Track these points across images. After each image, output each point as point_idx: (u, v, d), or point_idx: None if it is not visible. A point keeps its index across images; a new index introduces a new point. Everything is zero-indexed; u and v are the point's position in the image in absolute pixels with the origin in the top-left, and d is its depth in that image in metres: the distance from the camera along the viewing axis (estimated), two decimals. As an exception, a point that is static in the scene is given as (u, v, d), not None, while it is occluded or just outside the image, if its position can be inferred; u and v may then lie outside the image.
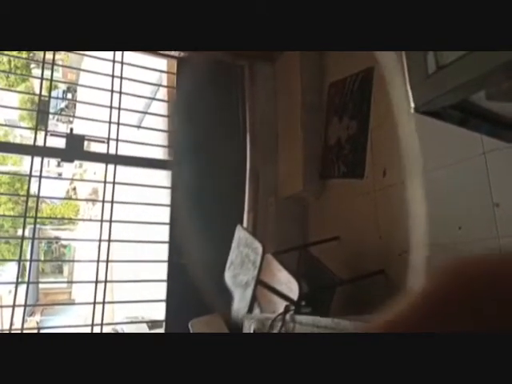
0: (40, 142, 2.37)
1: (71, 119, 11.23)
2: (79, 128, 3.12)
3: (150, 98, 3.50)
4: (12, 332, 2.11)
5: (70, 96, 11.56)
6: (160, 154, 2.84)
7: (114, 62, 2.66)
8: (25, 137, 10.45)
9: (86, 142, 2.56)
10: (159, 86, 3.25)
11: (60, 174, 10.83)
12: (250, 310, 1.33)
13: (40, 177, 2.28)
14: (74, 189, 11.33)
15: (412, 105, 0.68)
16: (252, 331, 1.01)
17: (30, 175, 2.32)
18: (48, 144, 2.41)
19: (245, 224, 2.43)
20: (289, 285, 1.44)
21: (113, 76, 2.62)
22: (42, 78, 2.48)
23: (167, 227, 2.42)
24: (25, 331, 2.18)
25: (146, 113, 3.38)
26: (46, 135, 2.43)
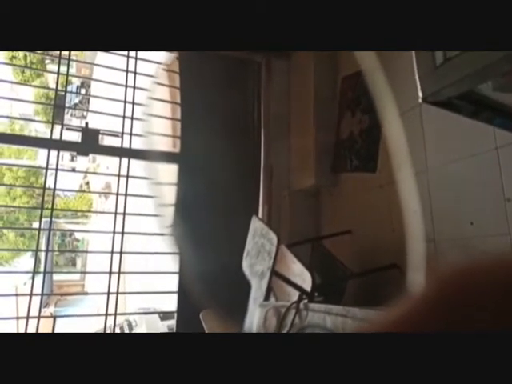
0: (56, 136, 2.42)
1: (85, 114, 11.36)
2: (93, 122, 3.17)
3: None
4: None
5: (83, 91, 11.70)
6: (174, 148, 2.87)
7: (128, 57, 2.69)
8: (39, 131, 10.62)
9: (100, 136, 2.60)
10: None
11: (74, 169, 10.98)
12: (266, 299, 1.36)
13: (56, 169, 2.33)
14: (87, 183, 11.49)
15: (420, 95, 0.69)
16: (264, 318, 1.04)
17: (47, 168, 2.37)
18: (63, 138, 2.46)
19: (260, 216, 2.46)
20: (302, 276, 1.47)
21: (127, 71, 2.66)
22: (58, 73, 2.52)
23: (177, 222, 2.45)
24: (41, 319, 2.24)
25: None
26: (62, 129, 2.48)
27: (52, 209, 2.49)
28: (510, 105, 0.69)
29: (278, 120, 2.70)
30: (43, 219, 2.43)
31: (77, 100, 11.87)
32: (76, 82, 11.77)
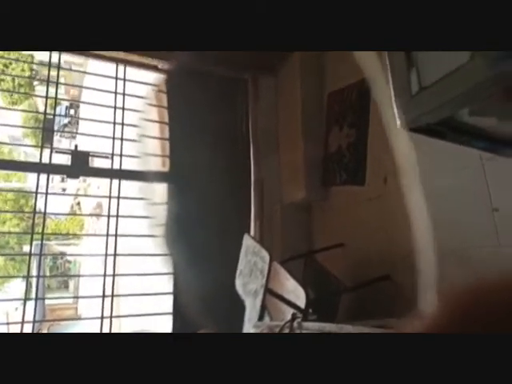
0: (45, 159, 2.41)
1: (74, 134, 11.34)
2: (82, 143, 3.17)
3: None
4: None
5: (72, 111, 11.68)
6: (164, 166, 2.88)
7: (116, 78, 2.71)
8: (29, 154, 10.56)
9: (90, 158, 2.60)
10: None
11: (64, 189, 10.89)
12: (261, 318, 1.36)
13: (46, 194, 2.32)
14: (79, 203, 11.39)
15: (398, 123, 0.71)
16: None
17: (37, 192, 2.36)
18: (53, 160, 2.45)
19: (252, 232, 2.46)
20: (296, 293, 1.47)
21: (116, 93, 2.67)
22: (46, 97, 2.53)
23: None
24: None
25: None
26: (51, 152, 2.47)
27: (42, 233, 2.46)
28: (486, 128, 0.71)
29: (267, 135, 2.73)
30: (34, 242, 2.40)
31: (66, 121, 11.85)
32: (65, 102, 11.76)
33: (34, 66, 8.25)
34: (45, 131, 2.69)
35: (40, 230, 2.44)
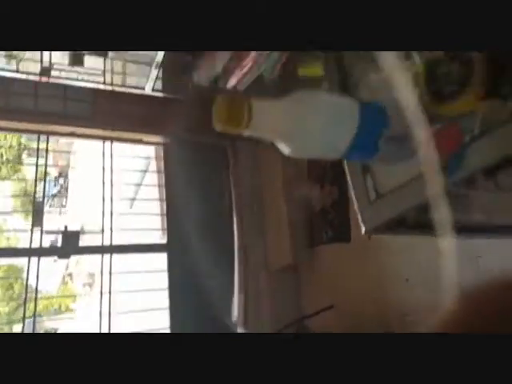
0: (35, 237, 2.43)
1: (64, 202, 11.30)
2: (72, 218, 3.21)
3: (140, 185, 3.63)
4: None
5: (61, 181, 11.72)
6: (154, 237, 2.91)
7: (103, 154, 2.81)
8: (18, 229, 10.43)
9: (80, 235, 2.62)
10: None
11: (55, 260, 10.67)
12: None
13: (37, 277, 2.31)
14: (70, 274, 11.13)
15: (362, 227, 0.75)
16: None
17: (27, 277, 2.35)
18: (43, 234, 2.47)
19: (235, 305, 2.39)
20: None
21: (103, 169, 2.75)
22: (35, 181, 2.60)
23: (167, 312, 2.43)
24: None
25: (136, 199, 3.50)
26: (41, 234, 2.49)
27: (35, 315, 2.43)
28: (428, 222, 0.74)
29: (250, 200, 2.75)
30: (26, 320, 2.36)
31: (55, 191, 11.84)
32: (53, 173, 11.82)
33: (22, 145, 8.41)
34: (35, 212, 2.73)
35: (31, 307, 2.41)
